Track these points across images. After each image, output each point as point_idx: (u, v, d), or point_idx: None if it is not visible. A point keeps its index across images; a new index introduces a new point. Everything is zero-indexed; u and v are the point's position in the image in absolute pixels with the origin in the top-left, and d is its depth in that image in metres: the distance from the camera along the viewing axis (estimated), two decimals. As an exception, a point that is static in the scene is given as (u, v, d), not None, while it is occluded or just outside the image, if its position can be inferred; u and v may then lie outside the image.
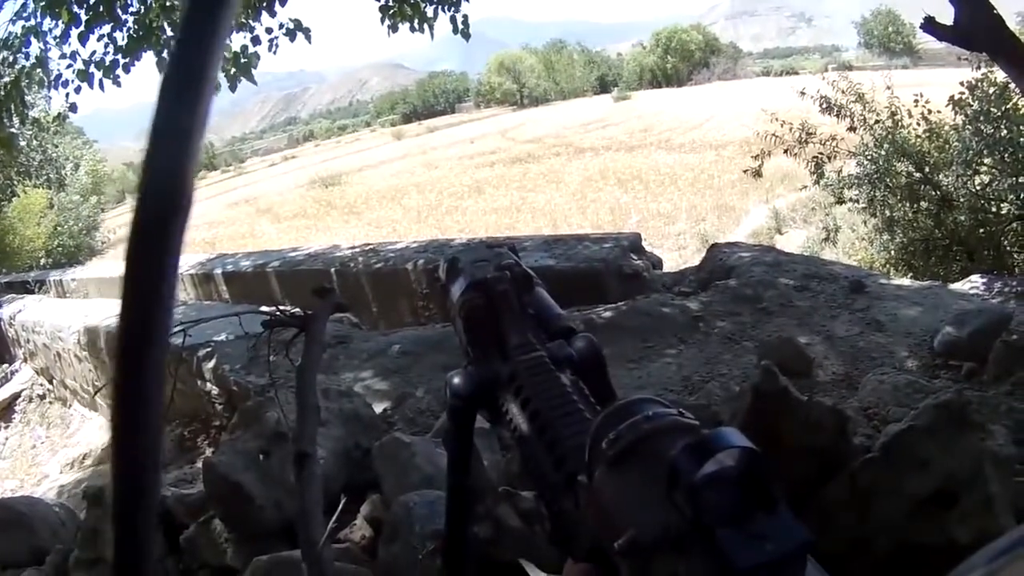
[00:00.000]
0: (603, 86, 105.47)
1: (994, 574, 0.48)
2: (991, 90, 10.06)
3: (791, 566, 0.46)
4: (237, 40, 8.49)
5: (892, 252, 11.55)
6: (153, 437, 0.38)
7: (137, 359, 0.37)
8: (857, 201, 12.07)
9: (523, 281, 0.90)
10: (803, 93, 12.89)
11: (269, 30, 8.59)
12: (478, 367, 0.84)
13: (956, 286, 7.00)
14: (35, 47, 8.27)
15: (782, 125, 13.04)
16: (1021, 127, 9.69)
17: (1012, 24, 6.21)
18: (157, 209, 0.36)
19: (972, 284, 6.91)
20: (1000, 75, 9.19)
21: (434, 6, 8.82)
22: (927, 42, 71.84)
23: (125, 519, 0.38)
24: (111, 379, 0.37)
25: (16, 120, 9.10)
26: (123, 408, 0.37)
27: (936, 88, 11.69)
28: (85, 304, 11.10)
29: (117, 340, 0.37)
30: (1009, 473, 2.71)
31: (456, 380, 0.84)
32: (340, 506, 2.55)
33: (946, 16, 5.46)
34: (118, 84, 8.28)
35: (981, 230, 10.60)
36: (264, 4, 8.34)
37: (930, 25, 5.61)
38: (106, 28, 8.04)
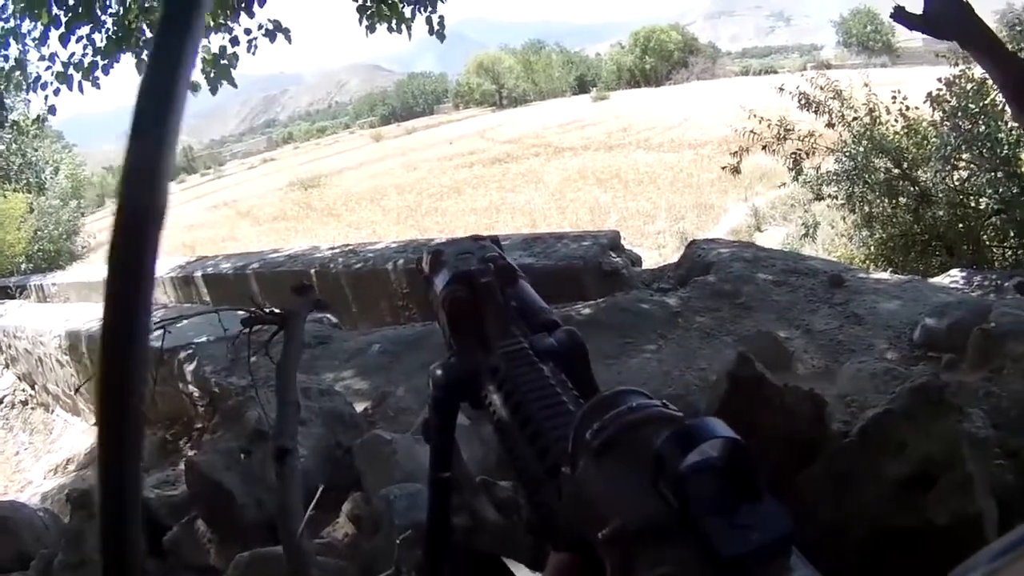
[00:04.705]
0: (582, 86, 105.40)
1: (994, 574, 0.48)
2: (969, 86, 10.15)
3: (776, 555, 0.46)
4: (216, 41, 8.46)
5: (871, 248, 11.61)
6: (136, 427, 0.38)
7: (120, 355, 0.37)
8: (836, 197, 12.14)
9: (506, 274, 0.90)
10: (782, 89, 12.95)
11: (248, 31, 8.58)
12: (461, 359, 0.85)
13: (935, 280, 7.04)
14: (14, 49, 8.22)
15: (760, 121, 13.09)
16: (999, 122, 9.76)
17: (991, 22, 6.27)
18: (137, 210, 0.37)
19: (951, 278, 6.95)
20: (978, 71, 9.26)
21: (412, 7, 8.82)
22: (906, 40, 72.35)
23: (111, 515, 0.38)
24: (97, 375, 0.37)
25: (-5, 123, 9.06)
26: (108, 400, 0.37)
27: (914, 86, 11.77)
28: (66, 308, 11.02)
29: (101, 336, 0.37)
30: (986, 454, 2.72)
31: (439, 372, 0.84)
32: (317, 495, 2.54)
33: (918, 9, 5.52)
34: (97, 86, 8.26)
35: (960, 225, 10.69)
36: (243, 5, 8.31)
37: (899, 14, 5.67)
38: (85, 29, 8.00)
